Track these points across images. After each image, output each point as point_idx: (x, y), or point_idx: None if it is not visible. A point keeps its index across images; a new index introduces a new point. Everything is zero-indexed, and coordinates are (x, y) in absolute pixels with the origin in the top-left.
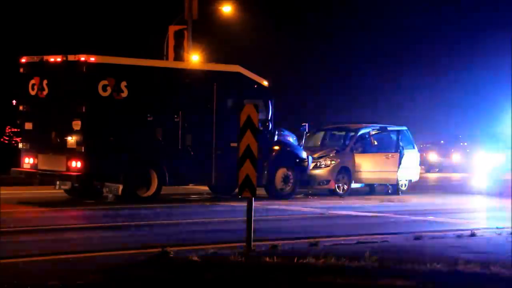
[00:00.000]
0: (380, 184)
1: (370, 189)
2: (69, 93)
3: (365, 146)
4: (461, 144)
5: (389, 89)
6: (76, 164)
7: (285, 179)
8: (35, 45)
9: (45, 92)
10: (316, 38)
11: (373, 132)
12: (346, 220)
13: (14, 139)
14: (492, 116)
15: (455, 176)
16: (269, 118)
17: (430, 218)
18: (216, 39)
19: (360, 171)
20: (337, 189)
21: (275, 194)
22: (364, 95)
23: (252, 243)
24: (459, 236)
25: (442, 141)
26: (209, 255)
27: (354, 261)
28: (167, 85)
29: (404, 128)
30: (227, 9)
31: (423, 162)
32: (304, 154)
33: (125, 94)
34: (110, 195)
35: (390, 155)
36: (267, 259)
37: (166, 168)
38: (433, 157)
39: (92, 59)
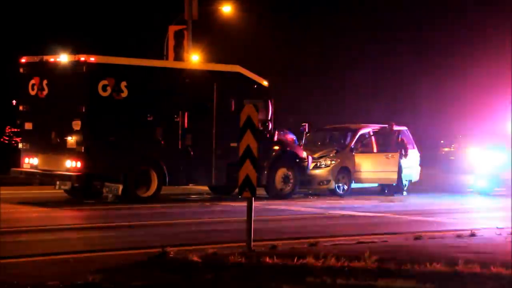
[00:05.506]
0: (381, 184)
1: (371, 189)
2: (69, 93)
3: (365, 146)
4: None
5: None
6: (76, 164)
7: (285, 179)
8: (35, 45)
9: (45, 92)
10: (316, 37)
11: (373, 132)
12: (346, 220)
13: (14, 139)
14: (492, 114)
15: (455, 176)
16: (269, 118)
17: (430, 218)
18: (216, 39)
19: (360, 171)
20: (337, 189)
21: (275, 194)
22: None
23: (252, 243)
24: (459, 236)
25: (442, 141)
26: (209, 255)
27: (354, 261)
28: (167, 85)
29: (404, 128)
30: (227, 9)
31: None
32: (304, 154)
33: (125, 94)
34: (110, 195)
35: (390, 155)
36: (267, 259)
37: (166, 168)
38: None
39: (92, 59)
